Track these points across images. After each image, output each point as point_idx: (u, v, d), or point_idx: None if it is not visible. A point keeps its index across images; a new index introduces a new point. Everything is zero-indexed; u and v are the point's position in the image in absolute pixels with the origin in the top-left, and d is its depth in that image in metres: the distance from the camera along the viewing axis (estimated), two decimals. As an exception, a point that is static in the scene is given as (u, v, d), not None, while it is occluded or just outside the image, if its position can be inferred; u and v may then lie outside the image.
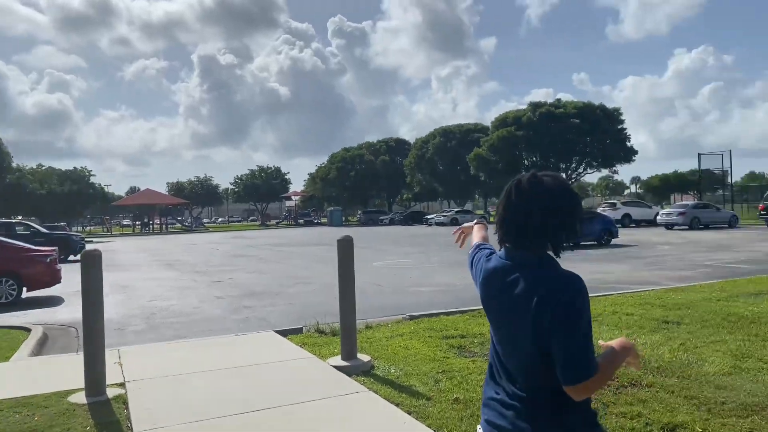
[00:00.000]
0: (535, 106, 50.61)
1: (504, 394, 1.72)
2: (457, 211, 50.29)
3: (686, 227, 30.10)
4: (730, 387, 4.62)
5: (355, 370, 5.44)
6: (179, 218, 72.20)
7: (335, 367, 5.50)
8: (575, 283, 1.59)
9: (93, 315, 4.91)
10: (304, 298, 10.83)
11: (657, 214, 33.94)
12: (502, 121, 51.57)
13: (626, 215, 35.42)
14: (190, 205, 74.36)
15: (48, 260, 11.57)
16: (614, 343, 1.72)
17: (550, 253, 1.70)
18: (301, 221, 68.96)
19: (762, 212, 26.84)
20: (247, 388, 5.02)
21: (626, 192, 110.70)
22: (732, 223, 31.33)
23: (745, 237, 23.48)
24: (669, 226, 30.92)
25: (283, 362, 5.84)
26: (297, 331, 7.47)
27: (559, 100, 52.17)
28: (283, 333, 7.29)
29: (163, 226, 62.03)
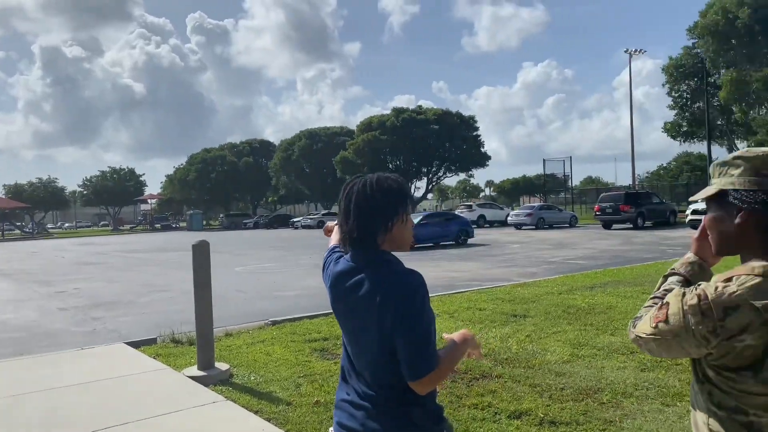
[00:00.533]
0: (398, 111, 52.05)
1: (354, 395, 1.73)
2: (323, 214, 50.36)
3: (533, 227, 32.52)
4: (569, 373, 5.04)
5: (212, 380, 5.25)
6: (18, 224, 65.47)
7: (191, 377, 5.27)
8: (414, 280, 1.62)
9: None
10: (160, 306, 10.27)
11: (508, 215, 36.34)
12: (367, 126, 52.47)
13: (481, 216, 37.60)
14: (32, 210, 67.79)
15: None
16: (456, 335, 1.79)
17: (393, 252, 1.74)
18: (158, 226, 65.35)
19: (597, 213, 29.66)
20: (94, 405, 4.66)
21: (481, 195, 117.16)
22: (572, 222, 34.36)
23: (584, 235, 25.83)
24: (518, 226, 33.22)
25: (134, 375, 5.49)
26: (151, 342, 7.06)
27: (420, 106, 54.11)
28: (136, 344, 6.87)
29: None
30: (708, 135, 33.91)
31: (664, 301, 1.33)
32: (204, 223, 63.22)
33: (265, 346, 6.53)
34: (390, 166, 52.81)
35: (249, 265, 17.52)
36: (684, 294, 1.28)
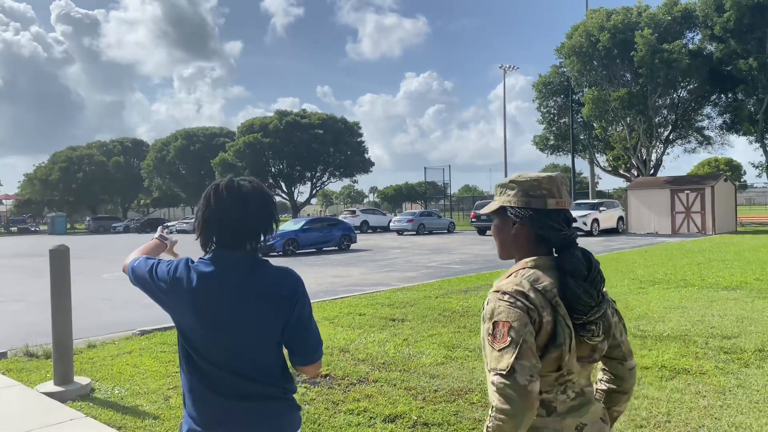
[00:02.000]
0: (281, 114, 51.39)
1: (227, 402, 1.68)
2: (200, 218, 48.44)
3: (414, 232, 33.40)
4: (442, 375, 5.19)
5: (70, 395, 4.85)
6: None
7: (46, 393, 4.83)
8: (294, 273, 1.77)
9: None
10: (13, 317, 9.37)
11: (390, 221, 37.05)
12: (249, 127, 51.30)
13: (364, 222, 38.03)
14: None
15: None
16: None
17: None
18: (14, 229, 59.64)
19: (473, 219, 31.05)
20: (-76, 431, 4.13)
21: (365, 200, 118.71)
22: (450, 228, 35.68)
23: (460, 241, 26.89)
24: (400, 231, 33.98)
25: (-23, 395, 4.93)
26: (0, 357, 6.41)
27: (304, 110, 53.79)
28: (-19, 360, 6.20)
29: None
30: (572, 149, 36.60)
31: (488, 331, 1.50)
32: (68, 226, 58.58)
33: (132, 358, 6.15)
34: (272, 169, 52.02)
35: (118, 272, 16.46)
36: (497, 307, 1.50)
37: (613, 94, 32.82)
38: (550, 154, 41.54)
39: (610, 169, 39.75)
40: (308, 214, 58.76)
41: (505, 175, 42.66)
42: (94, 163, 63.16)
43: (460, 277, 12.23)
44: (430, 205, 53.77)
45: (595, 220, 27.56)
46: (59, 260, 5.04)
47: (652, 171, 36.00)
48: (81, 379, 5.15)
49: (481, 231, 30.70)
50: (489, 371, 1.47)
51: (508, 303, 1.48)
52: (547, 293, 1.50)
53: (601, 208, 28.84)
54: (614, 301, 1.67)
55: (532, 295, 1.48)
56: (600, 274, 1.57)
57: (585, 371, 1.60)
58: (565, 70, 37.52)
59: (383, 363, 5.63)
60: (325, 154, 51.08)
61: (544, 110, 39.97)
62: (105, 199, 70.01)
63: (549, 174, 1.63)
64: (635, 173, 36.56)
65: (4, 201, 67.49)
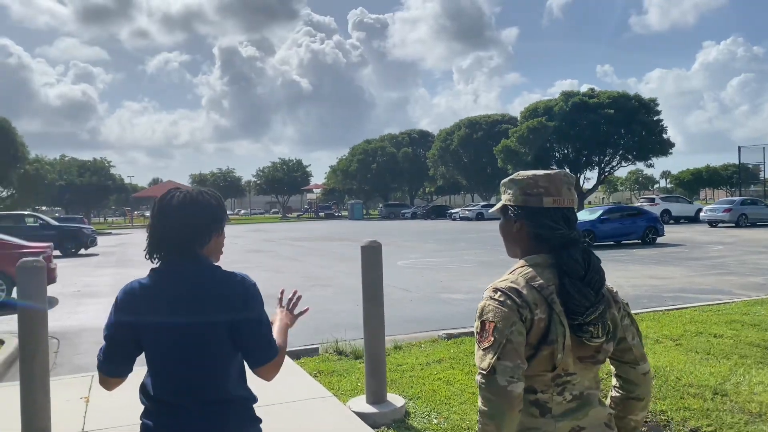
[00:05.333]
0: (567, 95, 48.52)
1: (189, 417, 1.62)
2: (483, 206, 48.63)
3: (732, 224, 28.15)
4: None
5: (383, 419, 4.11)
6: (201, 210, 71.68)
7: (357, 413, 4.16)
8: (247, 278, 1.72)
9: (30, 343, 3.63)
10: (322, 303, 9.51)
11: (699, 210, 32.00)
12: (532, 112, 49.60)
13: (665, 211, 33.28)
14: (212, 197, 73.73)
15: (40, 258, 10.46)
16: (277, 320, 1.95)
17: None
18: (321, 214, 67.85)
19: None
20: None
21: (656, 186, 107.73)
22: (783, 220, 29.23)
23: (801, 236, 21.62)
24: (713, 223, 29.02)
25: (288, 404, 4.47)
26: (312, 353, 6.17)
27: (592, 89, 49.96)
28: (296, 354, 5.99)
29: (184, 217, 61.38)
30: None
31: (476, 329, 1.49)
32: (364, 212, 64.36)
33: (442, 370, 5.31)
34: (556, 154, 49.62)
35: (411, 259, 16.59)
36: (485, 306, 1.48)
37: None
38: None
39: None
40: (589, 202, 54.86)
41: None
42: (385, 155, 68.18)
43: None
44: (742, 191, 45.67)
45: None
46: (372, 258, 4.33)
47: None
48: (394, 398, 4.40)
49: (830, 224, 24.44)
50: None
51: (497, 302, 1.46)
52: (543, 290, 1.47)
53: None
54: (627, 304, 1.62)
55: (525, 292, 1.46)
56: (599, 275, 1.51)
57: (589, 373, 1.53)
58: None
59: (798, 428, 3.78)
60: (616, 136, 46.74)
61: None
62: (395, 187, 75.31)
63: (548, 172, 1.59)
64: None
65: (314, 190, 77.27)
